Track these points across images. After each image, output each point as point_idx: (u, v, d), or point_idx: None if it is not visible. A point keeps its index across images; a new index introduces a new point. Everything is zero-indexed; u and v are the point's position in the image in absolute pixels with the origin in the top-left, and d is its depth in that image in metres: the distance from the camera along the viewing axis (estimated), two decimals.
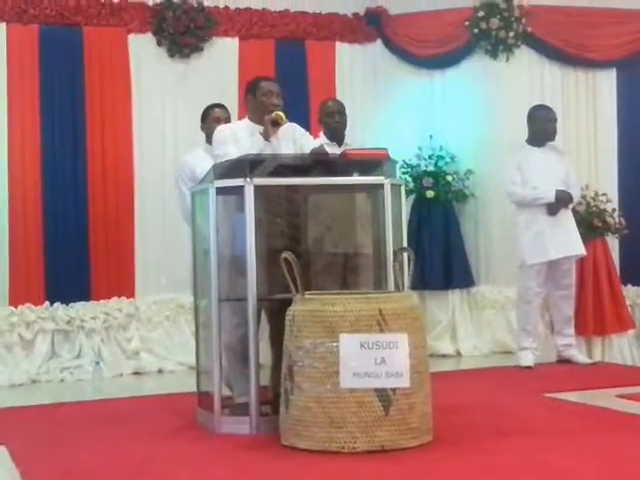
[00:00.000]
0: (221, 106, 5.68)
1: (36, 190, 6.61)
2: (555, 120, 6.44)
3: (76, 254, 6.67)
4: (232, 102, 6.69)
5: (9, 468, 3.82)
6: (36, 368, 6.41)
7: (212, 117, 5.56)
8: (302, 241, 4.64)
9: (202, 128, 5.66)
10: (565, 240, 6.28)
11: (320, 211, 4.75)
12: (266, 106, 4.71)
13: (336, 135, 5.81)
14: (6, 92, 6.57)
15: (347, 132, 5.98)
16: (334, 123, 5.85)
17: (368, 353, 3.80)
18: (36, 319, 6.47)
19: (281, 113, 4.67)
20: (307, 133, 5.00)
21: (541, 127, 6.38)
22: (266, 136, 4.67)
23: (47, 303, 6.54)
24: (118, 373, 6.57)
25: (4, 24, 6.58)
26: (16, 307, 6.46)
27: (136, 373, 6.66)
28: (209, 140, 5.39)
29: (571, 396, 5.14)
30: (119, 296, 6.75)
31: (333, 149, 5.49)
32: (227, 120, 5.53)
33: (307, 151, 4.64)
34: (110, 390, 5.87)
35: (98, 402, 5.48)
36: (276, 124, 4.66)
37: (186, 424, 4.57)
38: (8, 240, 6.51)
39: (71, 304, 6.59)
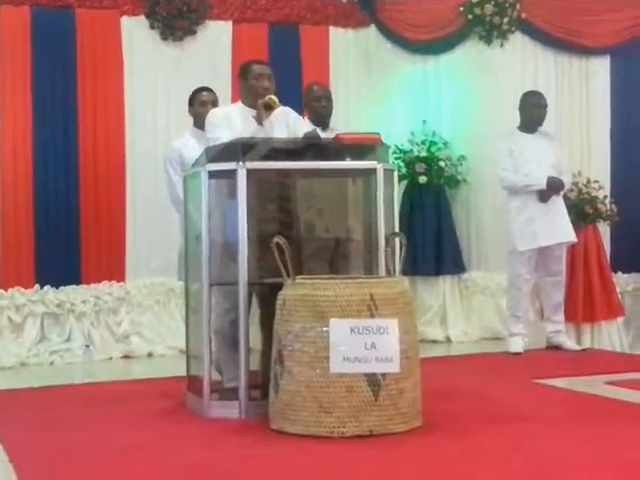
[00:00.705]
0: (208, 89, 5.64)
1: (27, 174, 6.57)
2: (544, 106, 6.43)
3: (66, 237, 6.65)
4: (225, 86, 6.68)
5: None
6: (26, 351, 6.39)
7: (199, 100, 5.52)
8: (293, 226, 4.63)
9: (189, 112, 5.63)
10: (556, 227, 6.29)
11: (312, 196, 4.74)
12: (256, 89, 4.70)
13: (322, 120, 5.82)
14: None
15: (340, 117, 5.98)
16: (321, 108, 5.88)
17: (358, 338, 3.80)
18: (26, 302, 6.46)
19: (274, 97, 4.65)
20: (301, 118, 5.00)
21: (529, 113, 6.38)
22: (259, 120, 4.65)
23: (37, 286, 6.52)
24: (108, 357, 6.57)
25: None
26: (6, 290, 6.44)
27: (126, 357, 6.65)
28: (196, 124, 5.37)
29: (560, 382, 5.16)
30: (109, 280, 6.73)
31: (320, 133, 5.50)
32: (214, 103, 5.49)
33: (300, 135, 4.63)
34: (100, 374, 5.85)
35: (88, 386, 5.47)
36: (269, 108, 4.65)
37: (175, 408, 4.57)
38: None
39: (61, 287, 6.57)
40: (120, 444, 3.82)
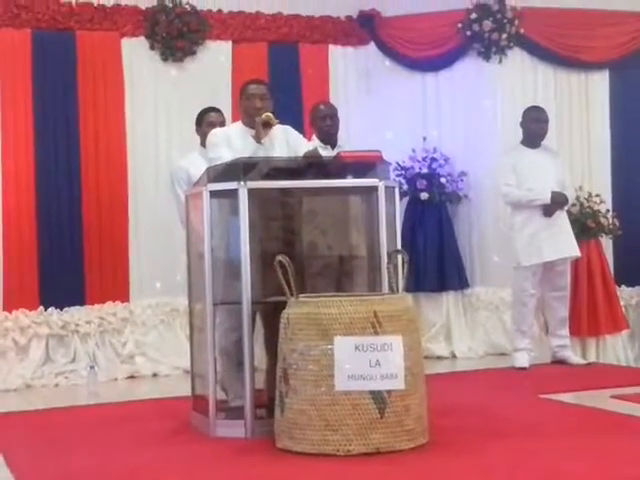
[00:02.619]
0: (216, 110, 5.69)
1: (29, 195, 6.59)
2: (545, 121, 6.45)
3: (70, 259, 6.65)
4: (225, 105, 6.69)
5: (4, 474, 3.81)
6: (31, 373, 6.38)
7: (207, 121, 5.57)
8: (296, 244, 4.63)
9: (197, 132, 5.67)
10: (560, 241, 6.29)
11: (314, 214, 4.75)
12: (249, 109, 4.76)
13: (329, 138, 5.86)
14: None
15: (340, 134, 6.01)
16: (326, 127, 5.91)
17: (363, 355, 3.80)
18: (30, 324, 6.45)
19: (270, 114, 4.68)
20: (301, 136, 5.02)
21: (530, 127, 6.41)
22: (257, 138, 4.68)
23: (41, 308, 6.52)
24: (113, 377, 6.56)
25: None
26: (10, 312, 6.44)
27: (131, 377, 6.63)
28: (204, 144, 5.40)
29: (566, 397, 5.15)
30: (113, 300, 6.73)
31: (327, 152, 5.53)
32: (222, 124, 5.54)
33: (301, 154, 4.65)
34: (105, 394, 5.85)
35: (93, 407, 5.47)
36: (267, 125, 4.67)
37: (181, 428, 4.56)
38: (2, 245, 6.48)
39: (65, 309, 6.57)
40: (126, 465, 3.81)
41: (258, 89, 4.85)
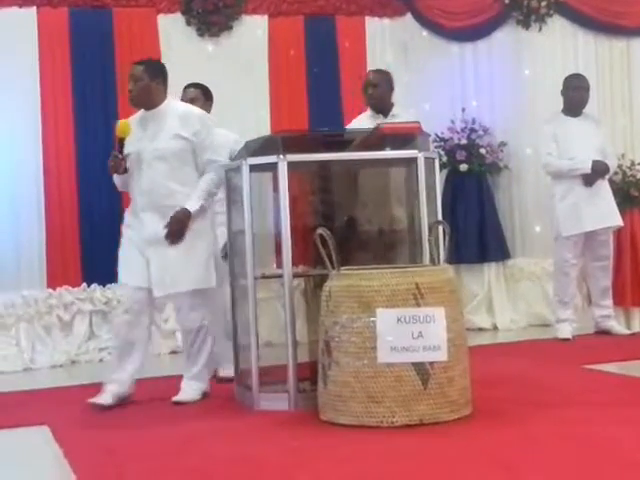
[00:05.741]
0: (194, 85, 5.70)
1: (71, 173, 6.65)
2: (585, 89, 6.35)
3: (112, 235, 6.65)
4: (262, 79, 6.69)
5: (52, 448, 3.87)
6: (75, 349, 6.47)
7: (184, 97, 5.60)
8: (336, 217, 4.63)
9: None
10: (601, 211, 6.22)
11: (354, 186, 4.74)
12: None
13: (374, 107, 5.78)
14: (38, 76, 6.59)
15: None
16: (367, 96, 5.86)
17: (405, 327, 3.79)
18: (74, 300, 6.52)
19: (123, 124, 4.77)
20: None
21: (569, 95, 6.33)
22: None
23: (84, 284, 6.59)
24: (155, 353, 6.60)
25: (34, 8, 6.59)
26: (54, 289, 6.52)
27: (173, 352, 6.69)
28: None
29: (610, 367, 5.11)
30: None
31: (379, 120, 5.43)
32: (193, 101, 5.51)
33: None
34: (148, 369, 5.88)
35: (137, 381, 5.50)
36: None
37: (225, 401, 4.60)
38: (45, 223, 6.56)
39: (108, 285, 6.62)
40: (171, 438, 3.85)
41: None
